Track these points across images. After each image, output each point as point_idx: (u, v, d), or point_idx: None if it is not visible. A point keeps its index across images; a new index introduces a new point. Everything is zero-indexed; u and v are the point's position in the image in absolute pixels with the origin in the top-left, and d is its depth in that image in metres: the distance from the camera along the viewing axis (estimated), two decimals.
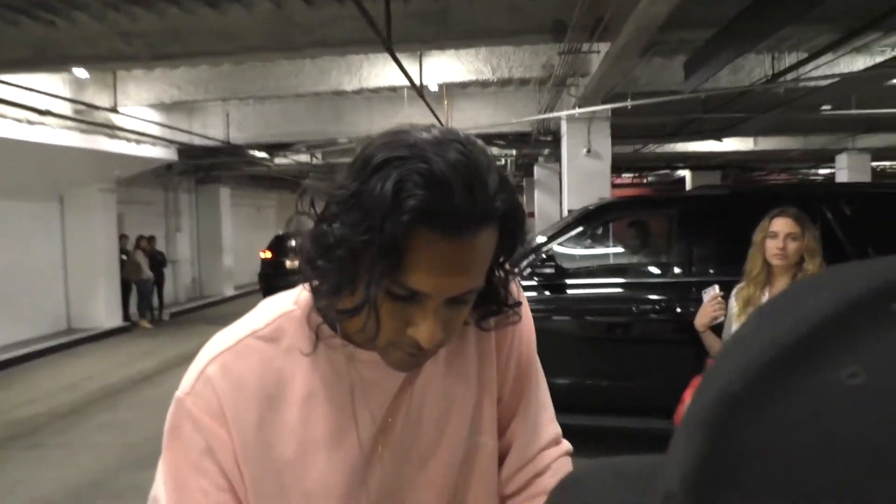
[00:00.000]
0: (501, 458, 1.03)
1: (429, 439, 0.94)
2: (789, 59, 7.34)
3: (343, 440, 0.88)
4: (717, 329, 2.88)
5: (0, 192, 9.71)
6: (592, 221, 5.06)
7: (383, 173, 0.72)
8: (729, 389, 0.28)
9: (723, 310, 2.79)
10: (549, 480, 1.02)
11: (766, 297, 2.69)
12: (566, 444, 1.08)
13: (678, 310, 4.39)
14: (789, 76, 7.22)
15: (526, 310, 1.03)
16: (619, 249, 5.39)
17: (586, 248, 5.29)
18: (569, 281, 4.73)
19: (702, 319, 2.83)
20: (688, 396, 2.83)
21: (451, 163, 0.72)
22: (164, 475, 0.86)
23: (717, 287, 2.85)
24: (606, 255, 5.35)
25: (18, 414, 6.73)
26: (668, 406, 3.49)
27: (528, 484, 1.03)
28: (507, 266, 0.87)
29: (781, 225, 2.64)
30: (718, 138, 12.77)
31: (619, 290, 4.88)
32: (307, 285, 0.88)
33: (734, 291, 2.82)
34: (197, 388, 0.85)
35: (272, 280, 12.99)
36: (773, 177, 23.78)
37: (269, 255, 13.88)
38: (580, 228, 4.93)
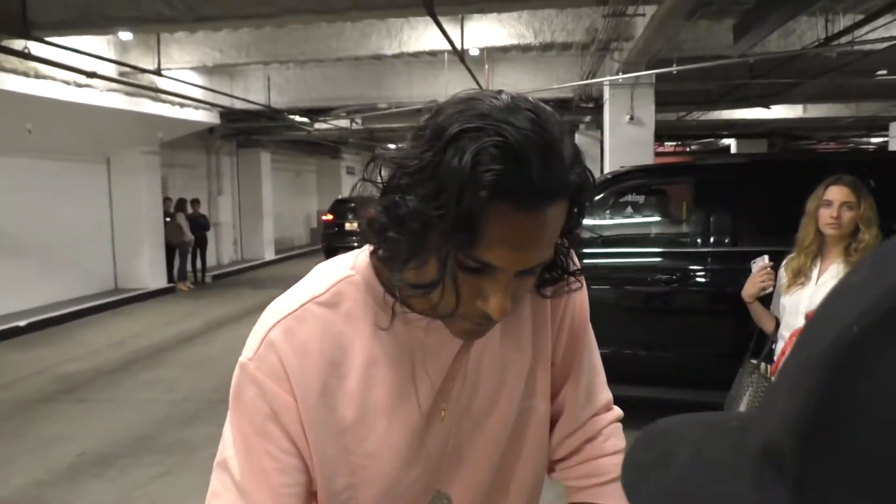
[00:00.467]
0: (553, 423, 1.03)
1: (485, 402, 0.95)
2: (844, 21, 7.05)
3: (403, 404, 0.90)
4: (765, 301, 2.81)
5: (51, 152, 9.94)
6: (611, 189, 4.94)
7: (459, 145, 0.71)
8: (849, 332, 0.27)
9: (772, 280, 2.72)
10: (601, 445, 1.03)
11: (817, 269, 2.62)
12: (617, 411, 1.09)
13: (694, 279, 4.45)
14: (843, 39, 6.94)
15: (582, 299, 1.03)
16: (640, 219, 5.29)
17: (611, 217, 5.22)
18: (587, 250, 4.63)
19: (749, 290, 2.77)
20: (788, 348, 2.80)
21: (526, 135, 0.71)
22: (232, 439, 0.88)
23: (766, 257, 2.78)
24: (623, 225, 5.29)
25: (67, 369, 6.96)
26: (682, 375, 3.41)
27: (579, 449, 1.04)
28: (572, 237, 0.86)
29: (836, 193, 2.55)
30: (766, 105, 12.40)
31: (631, 259, 4.84)
32: (367, 251, 0.90)
33: (784, 262, 2.75)
34: (260, 352, 0.86)
35: (333, 241, 14.18)
36: (822, 146, 23.12)
37: (330, 217, 15.06)
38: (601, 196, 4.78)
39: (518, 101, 0.75)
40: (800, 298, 2.60)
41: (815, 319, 0.31)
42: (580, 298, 1.02)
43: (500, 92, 0.77)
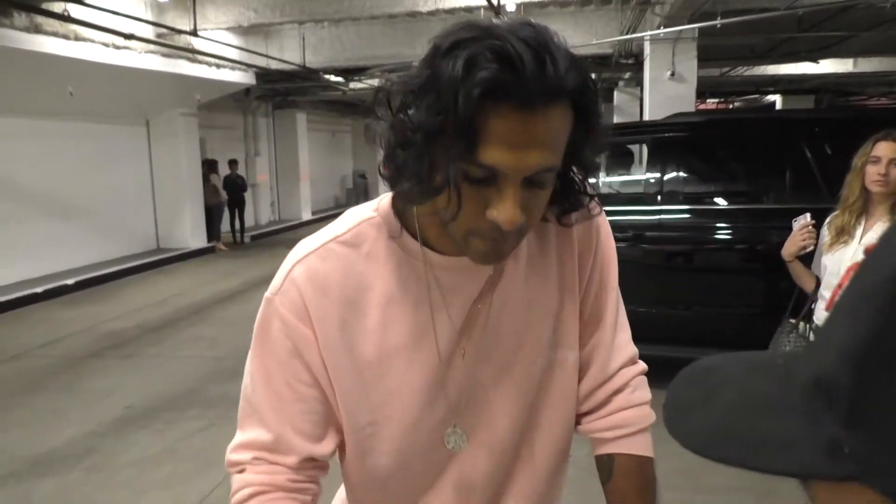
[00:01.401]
0: (581, 375, 1.04)
1: (509, 346, 0.95)
2: None
3: (422, 343, 0.91)
4: (806, 259, 2.75)
5: (92, 115, 10.11)
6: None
7: (455, 53, 0.72)
8: None
9: (813, 239, 2.66)
10: (629, 397, 1.03)
11: (861, 227, 2.54)
12: (643, 364, 1.08)
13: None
14: None
15: (606, 227, 1.02)
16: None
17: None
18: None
19: (790, 248, 2.71)
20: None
21: (522, 39, 0.71)
22: (253, 368, 0.93)
23: (808, 215, 2.70)
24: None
25: (113, 326, 7.17)
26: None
27: (607, 401, 1.04)
28: (586, 157, 0.84)
29: (885, 149, 2.46)
30: (814, 60, 11.95)
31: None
32: (390, 195, 0.91)
33: (827, 220, 2.68)
34: (284, 288, 0.90)
35: None
36: (872, 101, 22.28)
37: None
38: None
39: (520, 19, 0.76)
40: (842, 257, 2.54)
41: (876, 251, 0.30)
42: (606, 244, 1.02)
43: (501, 16, 0.77)
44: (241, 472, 0.94)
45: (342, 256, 0.91)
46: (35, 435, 4.38)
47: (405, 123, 0.76)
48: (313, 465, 0.95)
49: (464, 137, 0.72)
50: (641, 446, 1.02)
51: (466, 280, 0.91)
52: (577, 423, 1.07)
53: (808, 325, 2.70)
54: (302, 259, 0.91)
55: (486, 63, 0.70)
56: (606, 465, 1.01)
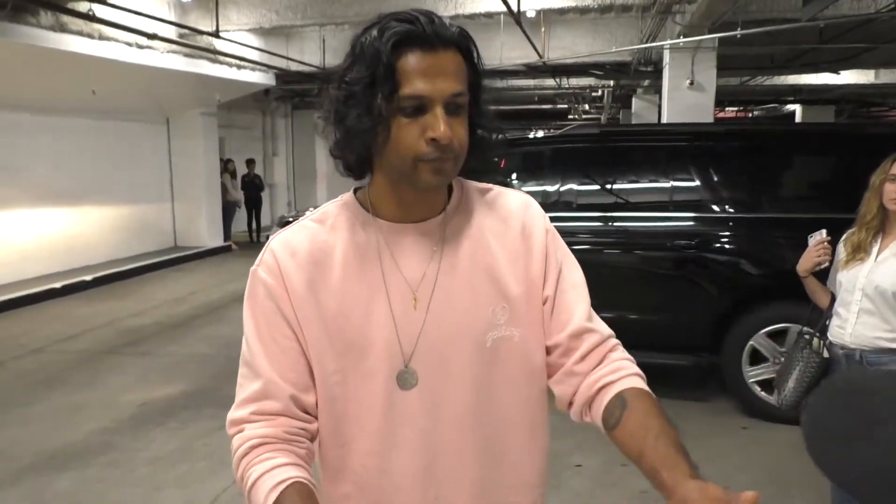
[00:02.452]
0: (571, 347, 1.12)
1: (459, 308, 1.07)
2: None
3: (376, 296, 1.06)
4: (821, 276, 2.75)
5: (113, 113, 10.23)
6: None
7: (369, 30, 0.99)
8: None
9: (828, 255, 2.66)
10: (621, 353, 1.13)
11: (877, 245, 2.54)
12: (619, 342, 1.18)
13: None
14: None
15: (545, 223, 1.16)
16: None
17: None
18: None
19: (804, 265, 2.71)
20: None
21: (415, 10, 0.99)
22: (247, 332, 1.08)
23: (823, 232, 2.70)
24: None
25: (130, 323, 7.26)
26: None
27: (604, 358, 1.12)
28: (483, 102, 1.06)
29: None
30: (835, 70, 11.87)
31: None
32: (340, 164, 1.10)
33: (843, 237, 2.68)
34: (264, 258, 1.09)
35: None
36: (894, 113, 22.04)
37: None
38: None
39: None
40: (857, 274, 2.54)
41: None
42: (556, 237, 1.17)
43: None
44: (240, 431, 1.05)
45: (310, 228, 1.10)
46: (54, 429, 4.46)
47: (345, 88, 0.99)
48: (303, 420, 1.06)
49: (390, 79, 0.95)
50: (643, 385, 1.08)
51: (417, 242, 1.08)
52: (577, 390, 1.11)
53: (821, 342, 2.70)
54: (278, 235, 1.11)
55: (392, 27, 0.96)
56: (618, 402, 1.04)
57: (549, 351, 1.13)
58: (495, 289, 1.09)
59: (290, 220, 6.38)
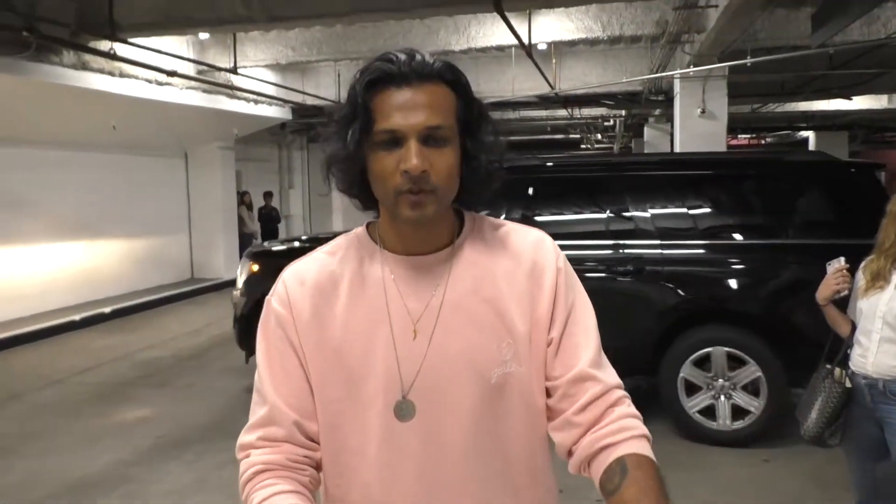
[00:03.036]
0: (577, 392, 1.08)
1: (462, 343, 1.07)
2: None
3: (378, 326, 1.08)
4: (841, 304, 2.74)
5: (133, 147, 10.42)
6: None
7: (357, 72, 1.04)
8: None
9: (847, 283, 2.63)
10: (626, 409, 1.08)
11: None
12: (625, 392, 1.13)
13: None
14: None
15: (560, 262, 1.13)
16: None
17: None
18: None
19: (824, 293, 2.68)
20: None
21: (401, 49, 1.04)
22: (259, 359, 1.12)
23: (842, 259, 2.68)
24: None
25: (148, 355, 7.31)
26: None
27: (606, 413, 1.07)
28: (478, 132, 1.07)
29: None
30: (847, 96, 11.87)
31: None
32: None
33: (862, 264, 2.66)
34: (277, 288, 1.14)
35: None
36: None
37: None
38: None
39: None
40: (878, 302, 2.52)
41: None
42: (570, 277, 1.14)
43: None
44: (247, 456, 1.08)
45: (320, 259, 1.14)
46: (71, 461, 4.48)
47: (332, 125, 1.06)
48: (307, 447, 1.09)
49: (366, 115, 1.01)
50: (647, 449, 1.04)
51: (422, 275, 1.09)
52: (577, 443, 1.08)
53: (843, 371, 2.67)
54: (291, 266, 1.15)
55: (373, 65, 1.02)
56: (618, 468, 1.01)
57: (549, 393, 1.10)
58: (501, 323, 1.08)
59: (257, 250, 6.50)
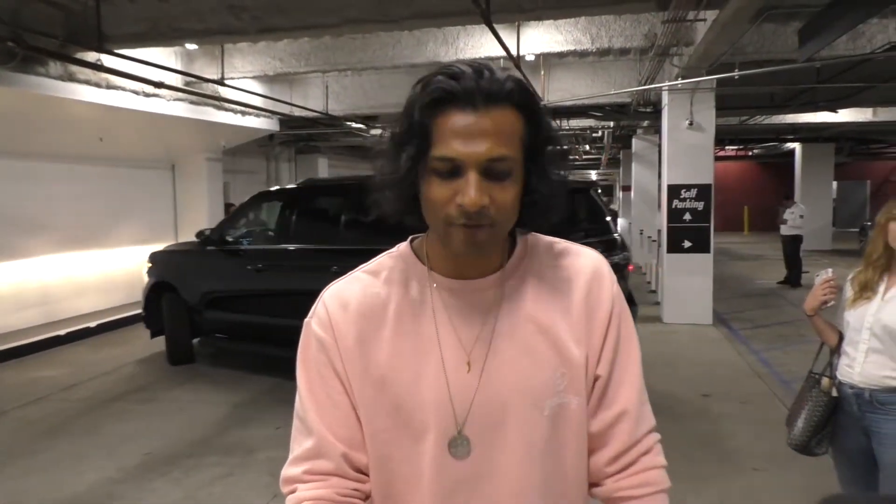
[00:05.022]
0: (609, 438, 1.07)
1: (515, 373, 1.01)
2: None
3: (428, 355, 1.02)
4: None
5: (120, 159, 10.34)
6: (251, 205, 7.48)
7: (418, 84, 0.94)
8: None
9: (834, 294, 2.65)
10: (654, 458, 1.08)
11: (884, 284, 2.54)
12: (658, 434, 1.12)
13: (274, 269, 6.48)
14: None
15: (615, 292, 1.08)
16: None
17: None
18: (228, 246, 6.95)
19: (811, 303, 2.69)
20: None
21: (466, 63, 0.93)
22: (301, 385, 1.06)
23: (830, 270, 2.70)
24: (254, 232, 7.43)
25: (134, 370, 7.23)
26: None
27: (635, 461, 1.07)
28: (545, 161, 0.98)
29: None
30: (833, 109, 11.99)
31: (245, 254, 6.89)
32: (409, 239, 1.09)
33: (850, 276, 2.67)
34: (317, 311, 1.07)
35: None
36: (892, 150, 22.21)
37: None
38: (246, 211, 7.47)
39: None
40: (865, 313, 2.53)
41: None
42: (623, 309, 1.08)
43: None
44: (293, 491, 1.02)
45: (363, 280, 1.07)
46: (57, 480, 4.40)
47: (387, 141, 0.97)
48: (356, 479, 1.03)
49: (420, 138, 0.91)
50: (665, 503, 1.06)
51: (473, 301, 1.03)
52: (600, 483, 1.08)
53: (830, 381, 2.67)
54: (331, 287, 1.09)
55: (436, 80, 0.91)
56: None
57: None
58: (556, 353, 1.02)
59: (154, 251, 7.81)
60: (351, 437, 1.03)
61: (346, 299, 1.05)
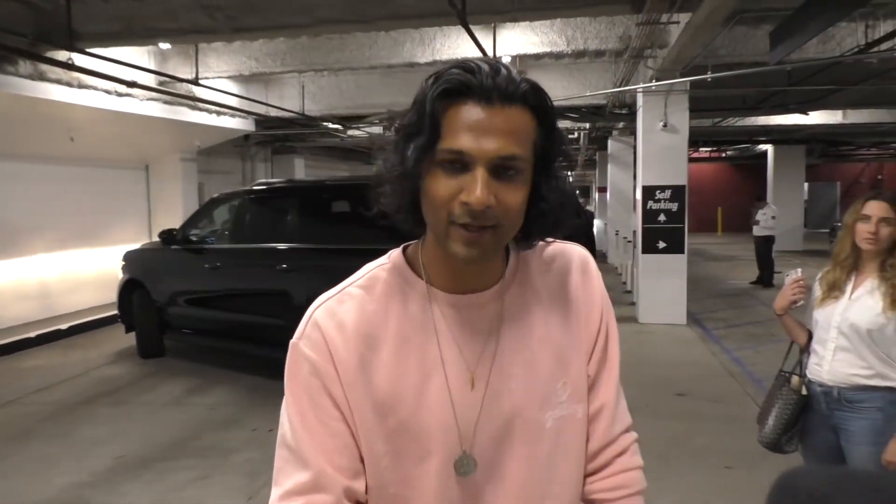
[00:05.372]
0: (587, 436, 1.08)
1: (520, 387, 1.00)
2: (885, 27, 6.92)
3: (432, 375, 0.97)
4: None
5: (92, 160, 10.20)
6: (210, 207, 7.54)
7: (430, 77, 0.90)
8: None
9: (804, 293, 2.69)
10: (629, 459, 1.09)
11: (851, 283, 2.58)
12: (635, 433, 1.13)
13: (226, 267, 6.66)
14: (884, 46, 6.81)
15: (602, 288, 1.08)
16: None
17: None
18: (192, 245, 7.10)
19: (780, 302, 2.73)
20: None
21: (482, 58, 0.90)
22: (289, 411, 0.98)
23: (799, 270, 2.74)
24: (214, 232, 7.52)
25: (106, 372, 7.13)
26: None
27: (610, 462, 1.08)
28: (552, 162, 0.95)
29: (875, 208, 2.51)
30: (804, 111, 12.19)
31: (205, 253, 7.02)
32: (401, 247, 1.02)
33: (819, 275, 2.72)
34: (307, 332, 0.99)
35: None
36: (862, 151, 22.62)
37: None
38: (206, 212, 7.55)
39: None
40: (833, 312, 2.57)
41: None
42: (609, 308, 1.09)
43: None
44: None
45: (357, 297, 1.00)
46: (26, 484, 4.33)
47: (395, 134, 0.93)
48: None
49: (431, 128, 0.87)
50: None
51: (474, 317, 0.99)
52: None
53: (800, 379, 2.72)
54: (322, 304, 1.01)
55: (449, 73, 0.88)
56: None
57: None
58: (557, 363, 1.02)
59: (128, 250, 8.13)
60: (350, 466, 0.97)
61: (343, 319, 0.98)
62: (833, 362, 2.55)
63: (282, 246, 6.11)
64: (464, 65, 0.88)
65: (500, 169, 0.87)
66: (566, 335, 1.03)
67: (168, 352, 7.82)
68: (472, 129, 0.86)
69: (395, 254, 1.03)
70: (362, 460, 0.98)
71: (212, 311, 6.92)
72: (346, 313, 0.98)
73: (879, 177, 26.76)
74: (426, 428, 0.97)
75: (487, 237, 0.89)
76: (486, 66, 0.87)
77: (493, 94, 0.86)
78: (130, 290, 7.64)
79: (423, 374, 0.97)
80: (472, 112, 0.86)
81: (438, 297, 0.98)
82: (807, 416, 2.68)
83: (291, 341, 0.99)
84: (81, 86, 8.17)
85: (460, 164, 0.86)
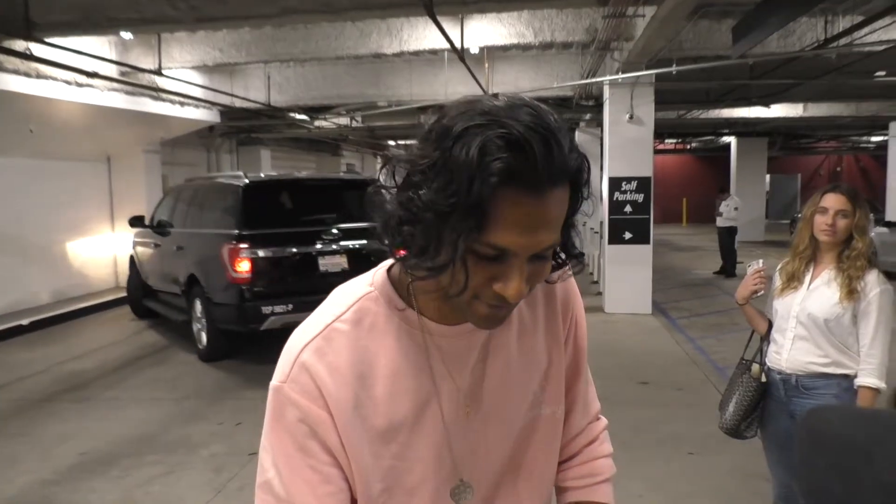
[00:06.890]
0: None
1: (507, 402, 1.01)
2: (843, 23, 7.07)
3: (426, 410, 0.95)
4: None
5: (52, 152, 9.97)
6: (164, 198, 9.09)
7: (465, 140, 0.76)
8: None
9: (764, 284, 2.76)
10: (598, 448, 1.12)
11: (809, 274, 2.65)
12: (605, 419, 1.17)
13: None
14: (842, 41, 6.97)
15: (575, 286, 1.09)
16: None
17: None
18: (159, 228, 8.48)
19: (742, 293, 2.80)
20: None
21: (527, 125, 0.76)
22: (274, 457, 0.92)
23: (761, 261, 2.81)
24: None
25: (70, 368, 7.01)
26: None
27: (579, 451, 1.12)
28: (573, 223, 0.90)
29: (832, 201, 2.58)
30: (766, 104, 12.42)
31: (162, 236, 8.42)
32: (384, 268, 0.97)
33: (779, 266, 2.79)
34: (293, 375, 0.91)
35: None
36: (822, 144, 23.11)
37: None
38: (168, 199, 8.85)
39: (515, 100, 0.81)
40: (792, 302, 2.64)
41: None
42: (578, 301, 1.10)
43: (496, 95, 0.84)
44: None
45: (346, 334, 0.93)
46: None
47: (414, 201, 0.80)
48: None
49: (475, 219, 0.76)
50: (607, 494, 1.09)
51: (465, 346, 0.96)
52: None
53: (760, 367, 2.79)
54: (308, 343, 0.93)
55: (498, 151, 0.75)
56: None
57: None
58: (541, 373, 1.04)
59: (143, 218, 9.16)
60: None
61: (334, 361, 0.91)
62: (791, 351, 2.62)
63: (184, 230, 7.84)
64: (511, 139, 0.75)
65: (537, 256, 0.82)
66: (549, 341, 1.05)
67: (134, 346, 7.71)
68: (520, 223, 0.77)
69: (379, 279, 0.97)
70: (355, 501, 0.95)
71: (156, 281, 8.75)
72: (338, 354, 0.92)
73: (838, 169, 27.40)
74: (423, 459, 0.95)
75: (510, 309, 0.88)
76: (538, 144, 0.75)
77: (544, 179, 0.77)
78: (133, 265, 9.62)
79: (417, 406, 0.94)
80: (520, 204, 0.76)
81: (431, 329, 0.95)
82: (766, 402, 2.75)
83: (273, 383, 0.92)
84: (40, 76, 7.97)
85: (499, 256, 0.80)
